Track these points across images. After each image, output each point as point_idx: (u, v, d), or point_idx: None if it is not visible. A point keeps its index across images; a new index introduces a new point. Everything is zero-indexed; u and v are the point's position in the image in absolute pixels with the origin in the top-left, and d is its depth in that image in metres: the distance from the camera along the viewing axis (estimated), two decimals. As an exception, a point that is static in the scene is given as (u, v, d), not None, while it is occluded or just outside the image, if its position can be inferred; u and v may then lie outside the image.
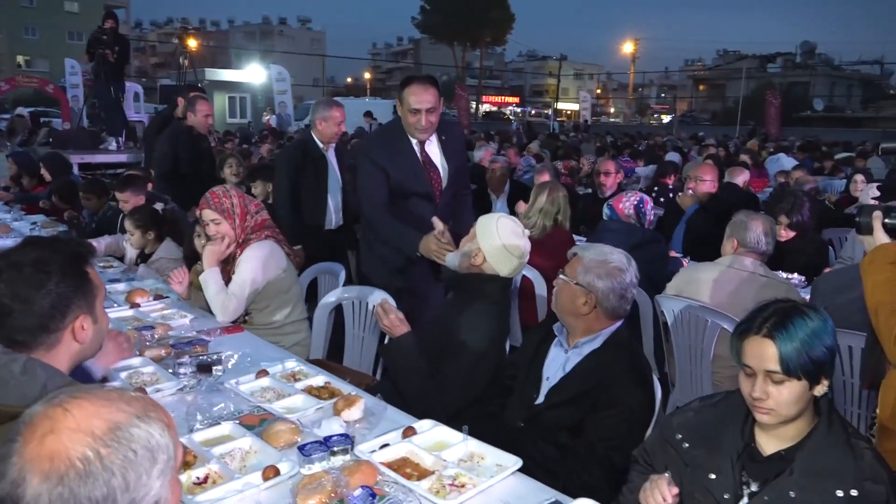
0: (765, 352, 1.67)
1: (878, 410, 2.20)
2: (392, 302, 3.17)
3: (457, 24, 48.91)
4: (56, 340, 1.75)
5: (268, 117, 20.07)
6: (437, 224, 3.23)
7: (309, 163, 4.83)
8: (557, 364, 2.44)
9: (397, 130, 3.60)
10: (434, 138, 3.63)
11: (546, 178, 5.72)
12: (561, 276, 2.46)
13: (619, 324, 2.42)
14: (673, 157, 11.41)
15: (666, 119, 59.51)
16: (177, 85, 15.76)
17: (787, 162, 10.88)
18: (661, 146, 16.92)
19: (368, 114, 25.16)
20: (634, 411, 2.21)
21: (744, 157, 10.01)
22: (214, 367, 2.63)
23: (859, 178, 7.13)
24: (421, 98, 3.44)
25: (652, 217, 4.05)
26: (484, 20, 49.11)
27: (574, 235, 4.63)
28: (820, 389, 1.69)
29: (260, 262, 3.37)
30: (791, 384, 1.66)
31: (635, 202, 3.99)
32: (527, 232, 2.75)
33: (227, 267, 3.45)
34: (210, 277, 3.35)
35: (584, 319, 2.40)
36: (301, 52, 56.81)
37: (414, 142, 3.58)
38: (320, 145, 4.86)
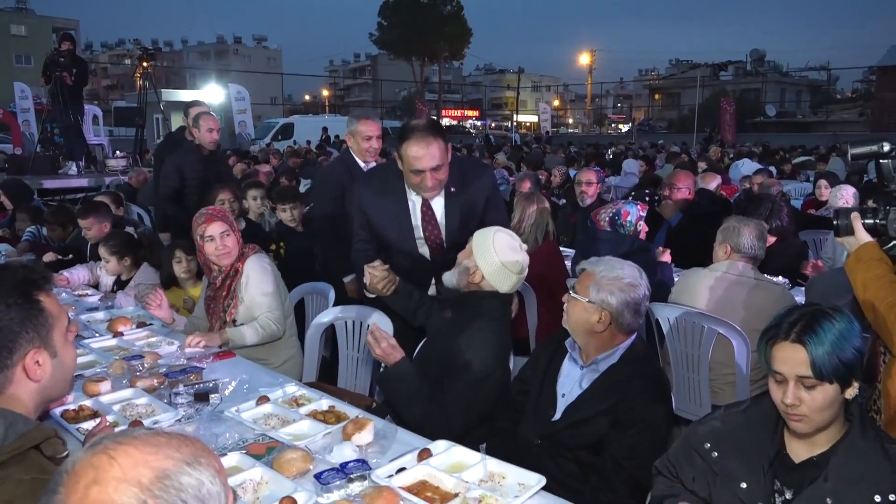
0: (796, 357, 1.66)
1: (879, 405, 2.22)
2: (389, 324, 3.15)
3: (414, 39, 49.08)
4: (6, 380, 1.56)
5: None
6: (369, 266, 2.99)
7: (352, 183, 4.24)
8: (573, 380, 2.42)
9: (391, 178, 3.18)
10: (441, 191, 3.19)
11: (527, 187, 5.73)
12: (572, 294, 2.41)
13: (634, 337, 2.40)
14: (633, 165, 11.58)
15: (624, 128, 60.48)
16: (135, 107, 15.51)
17: (750, 167, 11.10)
18: (625, 155, 17.14)
19: (325, 130, 25.14)
20: (656, 428, 2.19)
21: (701, 164, 10.19)
22: (212, 396, 2.56)
23: (823, 183, 7.30)
24: (423, 157, 2.96)
25: (639, 227, 4.04)
26: (441, 35, 49.43)
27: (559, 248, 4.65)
28: (850, 392, 1.69)
29: (267, 270, 3.42)
30: (823, 388, 1.66)
31: (610, 215, 3.98)
32: (524, 246, 2.72)
33: (228, 283, 3.41)
34: (237, 333, 3.33)
35: (600, 337, 2.36)
36: (258, 70, 56.51)
37: (413, 196, 3.18)
38: (361, 164, 4.31)
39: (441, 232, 3.21)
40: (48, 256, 5.33)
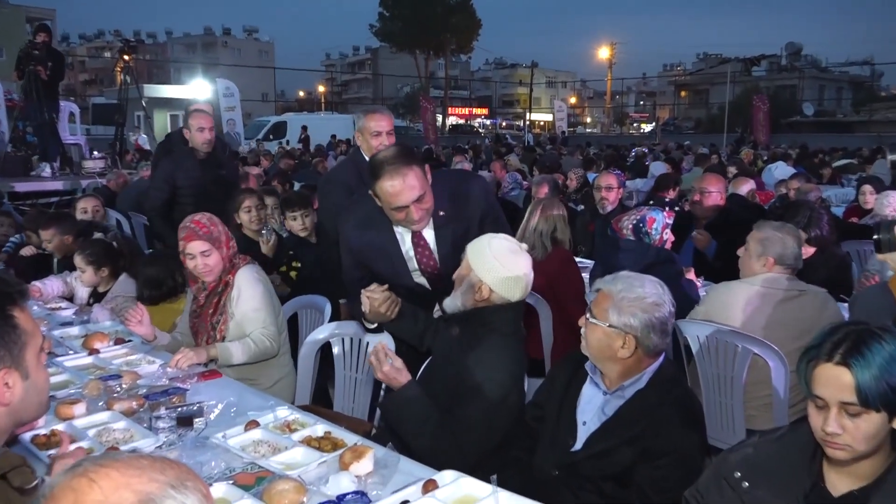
0: (839, 381, 1.64)
1: None
2: (391, 344, 3.13)
3: (418, 31, 49.35)
4: None
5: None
6: (367, 290, 2.95)
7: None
8: (594, 407, 2.41)
9: (374, 209, 3.09)
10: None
11: (545, 192, 5.72)
12: (589, 318, 2.40)
13: (662, 358, 2.39)
14: (660, 167, 11.57)
15: (647, 128, 60.52)
16: (115, 103, 15.61)
17: (785, 171, 11.08)
18: (648, 157, 17.13)
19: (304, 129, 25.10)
20: (689, 457, 2.18)
21: (731, 169, 10.15)
22: (196, 420, 2.56)
23: (867, 188, 7.17)
24: (402, 191, 2.90)
25: (665, 236, 4.03)
26: (447, 26, 49.66)
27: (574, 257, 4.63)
28: (899, 422, 1.67)
29: (259, 283, 3.43)
30: (869, 417, 1.64)
31: (634, 222, 3.97)
32: (524, 246, 2.72)
33: (215, 299, 3.42)
34: (225, 350, 3.32)
35: (625, 363, 2.35)
36: (248, 64, 56.88)
37: (399, 230, 3.15)
38: None
39: (436, 261, 3.19)
40: (27, 250, 5.36)
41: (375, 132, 3.91)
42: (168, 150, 6.10)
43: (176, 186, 5.48)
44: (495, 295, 2.63)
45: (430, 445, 2.47)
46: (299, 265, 4.92)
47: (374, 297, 2.90)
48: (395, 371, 2.57)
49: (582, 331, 2.44)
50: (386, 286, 2.95)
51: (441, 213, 3.12)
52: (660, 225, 3.91)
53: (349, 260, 3.28)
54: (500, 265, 2.61)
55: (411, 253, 3.17)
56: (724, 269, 4.18)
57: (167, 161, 5.70)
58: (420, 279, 3.22)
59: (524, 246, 2.72)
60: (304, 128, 27.42)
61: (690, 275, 4.17)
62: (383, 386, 3.15)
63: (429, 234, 3.15)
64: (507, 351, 2.60)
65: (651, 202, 6.19)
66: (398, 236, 3.15)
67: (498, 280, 2.61)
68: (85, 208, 6.20)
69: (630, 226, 3.96)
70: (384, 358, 2.58)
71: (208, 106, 6.03)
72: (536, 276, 3.18)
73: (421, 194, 2.93)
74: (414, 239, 3.15)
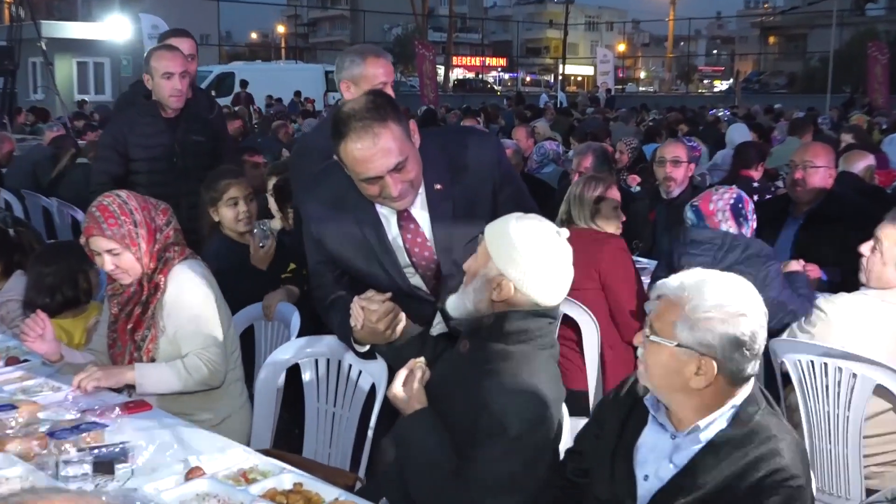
0: None
1: None
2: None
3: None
4: None
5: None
6: (363, 297, 2.91)
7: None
8: (660, 455, 2.39)
9: (350, 183, 3.03)
10: (420, 188, 3.08)
11: (588, 165, 5.69)
12: (650, 335, 2.36)
13: (750, 387, 2.36)
14: (741, 132, 11.52)
15: (722, 86, 60.41)
16: (3, 46, 15.64)
17: (916, 143, 11.05)
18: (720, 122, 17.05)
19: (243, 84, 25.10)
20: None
21: (845, 138, 10.15)
22: (119, 466, 2.58)
23: None
24: (372, 156, 2.84)
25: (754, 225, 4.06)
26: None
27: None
28: None
29: (200, 285, 3.39)
30: None
31: (731, 201, 3.98)
32: (563, 231, 2.71)
33: (137, 311, 3.41)
34: (146, 374, 3.31)
35: (700, 395, 2.33)
36: (183, -5, 56.76)
37: (383, 211, 3.11)
38: None
39: (432, 252, 3.14)
40: None
41: (382, 83, 3.81)
42: (127, 104, 5.65)
43: (128, 158, 5.11)
44: (521, 295, 2.62)
45: (439, 498, 2.51)
46: (294, 266, 4.67)
47: (372, 310, 2.86)
48: (420, 388, 2.65)
49: (639, 352, 2.41)
50: (388, 295, 2.91)
51: (437, 187, 3.09)
52: (751, 204, 3.96)
53: (316, 255, 3.26)
54: (529, 255, 2.59)
55: (399, 241, 3.14)
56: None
57: (117, 119, 5.38)
58: (415, 279, 3.18)
59: (564, 232, 2.70)
60: (244, 83, 27.44)
61: (794, 266, 4.21)
62: (372, 423, 3.24)
63: (421, 216, 3.12)
64: (536, 373, 2.59)
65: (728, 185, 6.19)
66: (383, 220, 3.11)
67: (526, 275, 2.60)
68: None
69: (727, 207, 3.99)
70: (422, 376, 2.66)
71: (185, 41, 5.49)
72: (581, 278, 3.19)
73: (400, 161, 2.87)
74: (401, 222, 3.11)
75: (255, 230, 4.60)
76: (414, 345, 2.98)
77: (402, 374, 2.66)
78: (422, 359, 2.74)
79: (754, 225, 4.07)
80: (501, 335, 2.64)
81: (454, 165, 3.13)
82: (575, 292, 3.49)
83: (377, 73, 3.82)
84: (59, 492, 1.08)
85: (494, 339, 2.66)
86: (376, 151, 2.82)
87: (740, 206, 3.96)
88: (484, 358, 2.65)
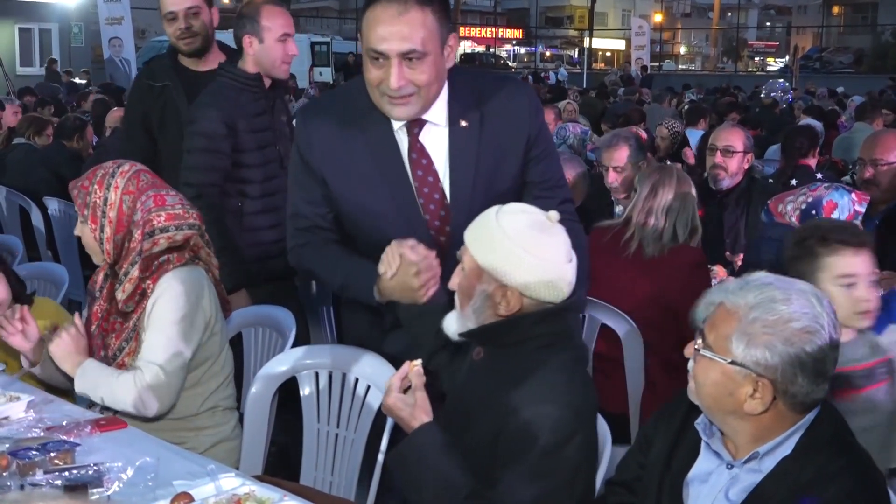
0: None
1: None
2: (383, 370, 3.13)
3: None
4: None
5: None
6: (405, 243, 2.75)
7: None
8: (715, 487, 2.32)
9: (361, 100, 2.93)
10: (442, 119, 2.93)
11: (625, 158, 5.44)
12: (701, 348, 2.27)
13: (817, 412, 2.26)
14: (805, 120, 11.49)
15: (776, 64, 59.68)
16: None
17: None
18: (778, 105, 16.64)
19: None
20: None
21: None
22: (94, 490, 2.54)
23: None
24: (389, 24, 2.71)
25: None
26: None
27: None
28: None
29: (185, 295, 3.22)
30: None
31: (803, 206, 3.95)
32: (555, 214, 2.57)
33: (118, 321, 3.31)
34: (88, 366, 3.19)
35: (757, 421, 2.24)
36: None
37: (397, 125, 2.93)
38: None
39: (443, 194, 2.97)
40: None
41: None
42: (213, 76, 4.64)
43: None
44: (529, 302, 2.54)
45: None
46: None
47: (413, 260, 2.69)
48: (424, 401, 2.55)
49: (689, 365, 2.33)
50: (434, 252, 2.74)
51: (463, 124, 2.92)
52: (845, 214, 3.86)
53: (304, 193, 3.05)
54: (530, 255, 2.49)
55: (411, 177, 2.97)
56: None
57: (217, 96, 4.38)
58: (408, 213, 2.98)
59: (553, 215, 2.55)
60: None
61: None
62: (383, 447, 3.13)
63: (437, 152, 2.95)
64: (561, 375, 2.51)
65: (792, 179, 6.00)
66: (397, 133, 2.93)
67: (532, 277, 2.49)
68: None
69: (797, 212, 3.91)
70: (420, 382, 2.56)
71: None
72: (637, 284, 3.01)
73: (416, 49, 2.70)
74: (412, 154, 2.93)
75: None
76: (436, 316, 2.77)
77: (395, 380, 2.58)
78: (418, 361, 2.63)
79: None
80: (517, 338, 2.59)
81: (486, 106, 2.96)
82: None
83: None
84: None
85: (510, 343, 2.60)
86: (398, 23, 2.71)
87: (814, 213, 3.89)
88: (502, 365, 2.60)
